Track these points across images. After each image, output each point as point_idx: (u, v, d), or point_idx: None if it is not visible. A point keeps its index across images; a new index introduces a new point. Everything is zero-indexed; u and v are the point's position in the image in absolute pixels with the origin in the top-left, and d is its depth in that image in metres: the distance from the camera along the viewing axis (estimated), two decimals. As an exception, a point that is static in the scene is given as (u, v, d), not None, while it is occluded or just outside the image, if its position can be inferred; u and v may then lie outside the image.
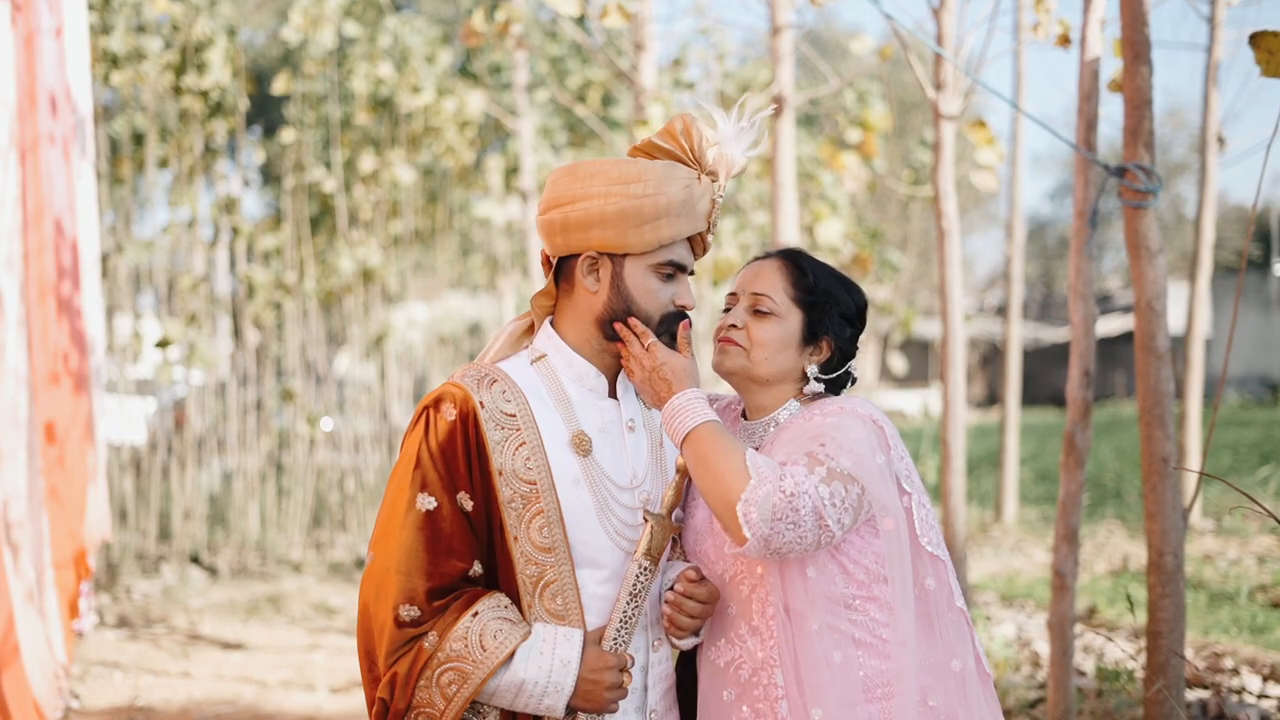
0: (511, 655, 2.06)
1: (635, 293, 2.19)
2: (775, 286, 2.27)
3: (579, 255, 2.21)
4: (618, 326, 2.20)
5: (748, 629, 2.20)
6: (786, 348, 2.26)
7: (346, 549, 10.06)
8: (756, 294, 2.28)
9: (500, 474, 2.13)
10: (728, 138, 2.23)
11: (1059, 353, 26.12)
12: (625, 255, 2.18)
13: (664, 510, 2.21)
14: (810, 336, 2.27)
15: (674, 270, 2.21)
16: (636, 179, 2.15)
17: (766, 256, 2.34)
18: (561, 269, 2.25)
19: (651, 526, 2.16)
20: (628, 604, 2.15)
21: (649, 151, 2.22)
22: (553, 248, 2.23)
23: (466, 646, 2.04)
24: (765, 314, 2.26)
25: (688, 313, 2.24)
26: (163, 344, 9.41)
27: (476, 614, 2.06)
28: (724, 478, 2.05)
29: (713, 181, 2.23)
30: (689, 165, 2.20)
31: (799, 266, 2.30)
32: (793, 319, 2.27)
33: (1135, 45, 3.52)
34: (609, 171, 2.17)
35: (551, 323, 2.30)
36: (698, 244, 2.27)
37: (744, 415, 2.35)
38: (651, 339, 2.18)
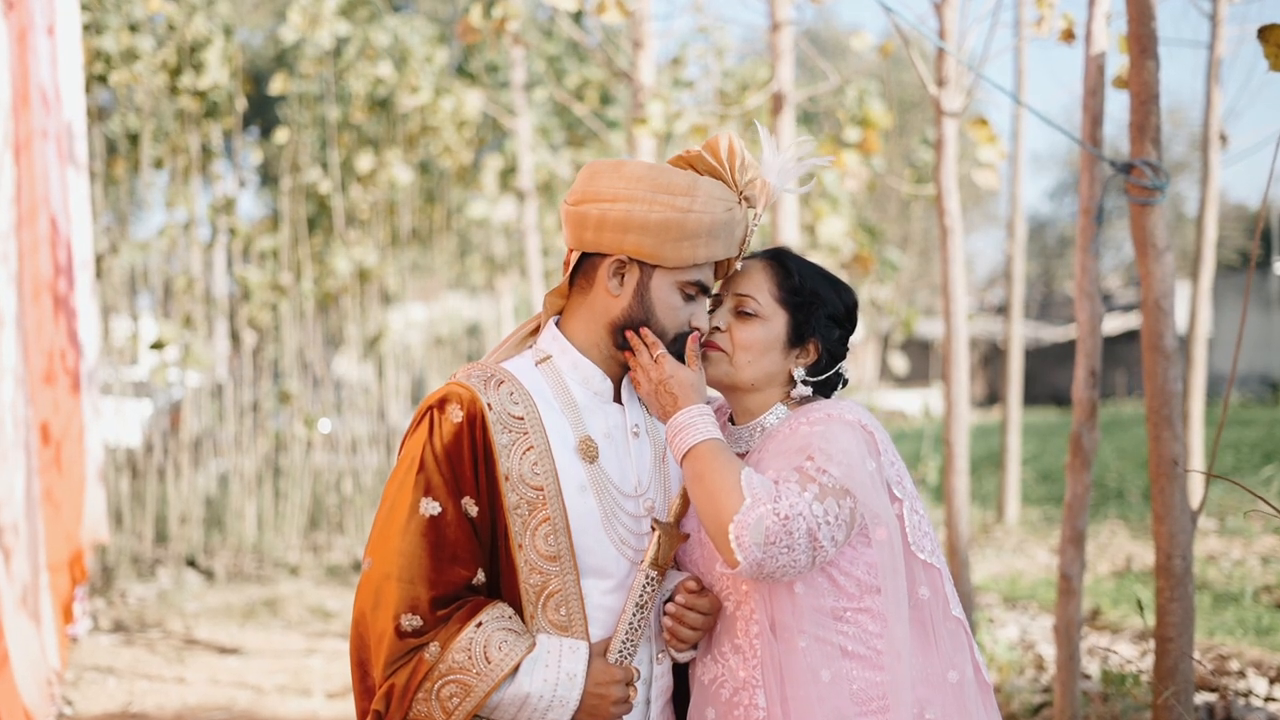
0: (516, 668, 1.99)
1: (657, 306, 2.13)
2: (760, 287, 2.21)
3: (605, 255, 2.14)
4: (629, 335, 2.14)
5: (730, 647, 2.14)
6: (771, 350, 2.20)
7: (344, 552, 10.01)
8: (740, 295, 2.21)
9: (507, 479, 2.06)
10: (771, 168, 2.17)
11: (1059, 352, 26.07)
12: (656, 266, 2.12)
13: (672, 519, 2.15)
14: (796, 338, 2.21)
15: (697, 291, 2.15)
16: (684, 192, 2.09)
17: (751, 256, 2.27)
18: (581, 265, 2.18)
19: (659, 536, 2.10)
20: (634, 615, 2.09)
21: (692, 164, 2.15)
22: (579, 242, 2.16)
23: (470, 658, 1.97)
24: (749, 315, 2.20)
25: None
26: (158, 345, 9.36)
27: (480, 624, 2.00)
28: (718, 498, 1.99)
29: (749, 208, 2.17)
30: (728, 185, 2.14)
31: (784, 266, 2.23)
32: (778, 320, 2.20)
33: (1142, 40, 3.46)
34: (657, 178, 2.10)
35: (557, 323, 2.23)
36: (721, 268, 2.21)
37: (731, 420, 2.28)
38: (661, 350, 2.13)
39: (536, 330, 2.27)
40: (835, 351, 2.25)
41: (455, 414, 2.07)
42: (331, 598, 8.51)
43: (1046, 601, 7.31)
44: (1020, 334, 10.86)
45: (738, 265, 2.21)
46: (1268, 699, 5.01)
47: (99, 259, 9.40)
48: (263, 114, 18.17)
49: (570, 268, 2.19)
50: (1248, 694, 5.07)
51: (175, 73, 9.63)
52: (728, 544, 1.96)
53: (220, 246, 10.59)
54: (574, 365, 2.18)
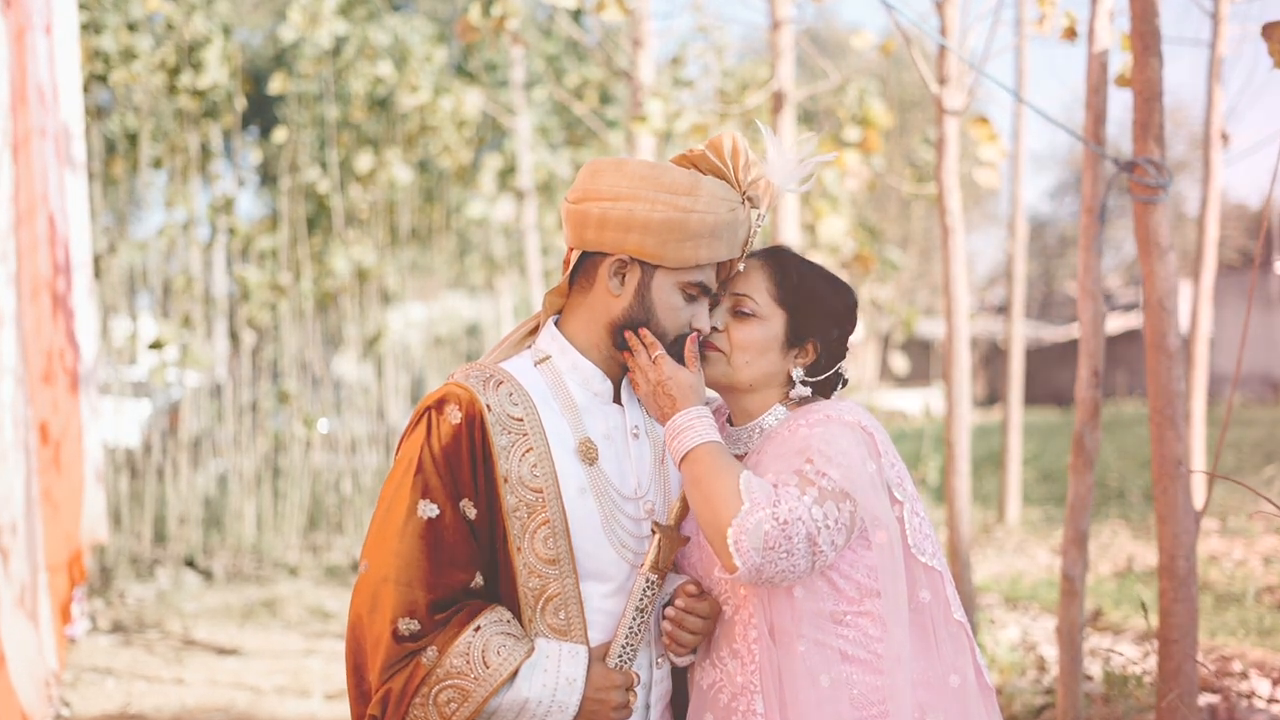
0: (515, 673, 1.96)
1: (658, 307, 2.10)
2: (757, 287, 2.18)
3: (606, 255, 2.11)
4: (627, 335, 2.11)
5: (729, 652, 2.12)
6: (769, 350, 2.17)
7: (343, 552, 9.99)
8: (738, 295, 2.19)
9: (505, 481, 2.03)
10: (775, 168, 2.14)
11: (1059, 352, 26.05)
12: (657, 266, 2.09)
13: (672, 522, 2.12)
14: (794, 339, 2.18)
15: (699, 292, 2.13)
16: (688, 192, 2.06)
17: (750, 256, 2.24)
18: (582, 264, 2.15)
19: (659, 539, 2.07)
20: (634, 619, 2.06)
21: (695, 163, 2.13)
22: (579, 240, 2.12)
23: (468, 663, 1.95)
24: (747, 315, 2.17)
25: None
26: (157, 345, 9.34)
27: (479, 629, 1.97)
28: (715, 502, 1.96)
29: (751, 208, 2.14)
30: (731, 185, 2.12)
31: (782, 266, 2.20)
32: (775, 320, 2.18)
33: (1145, 37, 3.44)
34: (660, 177, 2.07)
35: (556, 323, 2.20)
36: (723, 269, 2.18)
37: (730, 421, 2.26)
38: (660, 351, 2.10)
39: (535, 330, 2.24)
40: (834, 351, 2.22)
41: (453, 415, 2.04)
42: (330, 598, 8.49)
43: (1048, 602, 7.29)
44: (1021, 333, 10.83)
45: (740, 266, 2.19)
46: (1271, 700, 4.99)
47: (98, 259, 9.37)
48: (262, 114, 18.13)
49: (570, 267, 2.16)
50: (1250, 695, 5.05)
51: (174, 72, 9.61)
52: (726, 549, 1.93)
53: (219, 246, 10.57)
54: (573, 366, 2.16)
